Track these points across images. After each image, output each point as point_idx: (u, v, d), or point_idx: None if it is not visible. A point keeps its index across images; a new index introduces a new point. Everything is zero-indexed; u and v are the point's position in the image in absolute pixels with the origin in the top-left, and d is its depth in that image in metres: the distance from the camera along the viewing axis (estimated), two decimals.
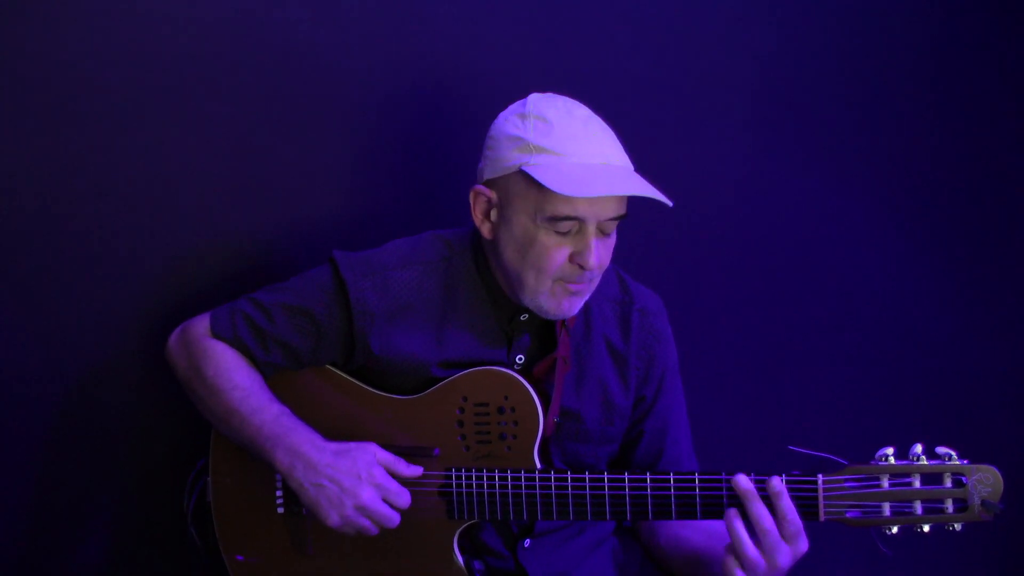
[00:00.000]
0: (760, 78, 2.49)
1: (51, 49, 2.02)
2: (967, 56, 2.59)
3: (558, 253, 1.73)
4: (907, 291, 2.61)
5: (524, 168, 1.71)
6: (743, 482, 1.64)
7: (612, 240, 1.78)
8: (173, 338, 1.95)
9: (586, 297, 1.81)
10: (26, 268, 2.07)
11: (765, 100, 2.50)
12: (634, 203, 1.76)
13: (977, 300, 2.65)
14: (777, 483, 1.63)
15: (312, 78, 2.18)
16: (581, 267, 1.73)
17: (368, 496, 1.73)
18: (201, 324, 1.91)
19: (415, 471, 1.79)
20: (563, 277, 1.75)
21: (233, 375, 1.86)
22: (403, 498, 1.76)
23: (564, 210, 1.69)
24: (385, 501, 1.75)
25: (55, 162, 2.06)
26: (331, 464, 1.74)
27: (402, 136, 2.27)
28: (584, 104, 1.81)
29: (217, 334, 1.89)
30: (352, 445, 1.77)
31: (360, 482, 1.73)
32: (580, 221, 1.70)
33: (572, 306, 1.79)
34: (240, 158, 2.16)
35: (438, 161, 2.29)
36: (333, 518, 1.74)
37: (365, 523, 1.75)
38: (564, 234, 1.72)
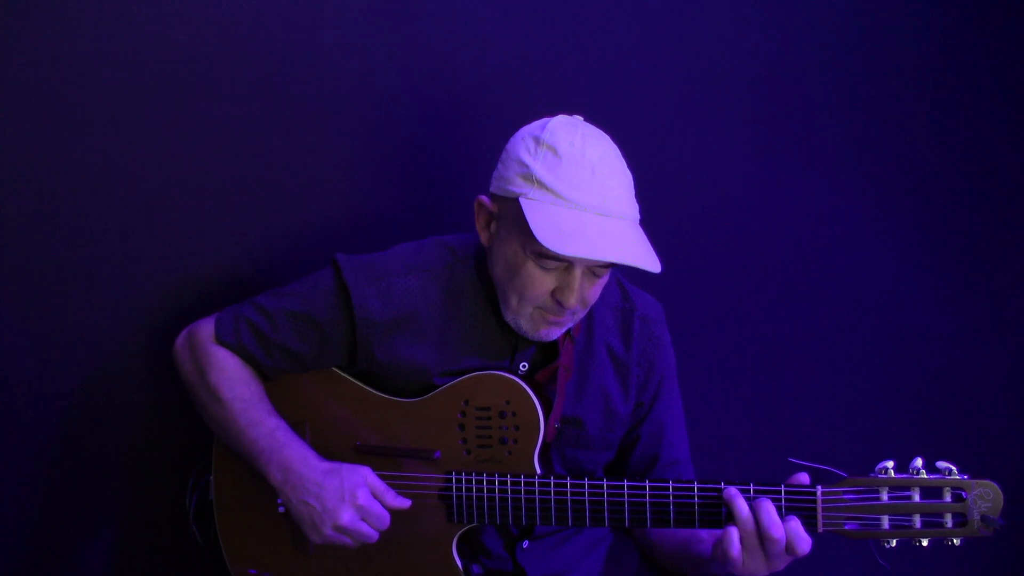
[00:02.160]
0: (760, 78, 2.48)
1: (51, 49, 2.01)
2: (967, 56, 2.58)
3: (542, 285, 1.72)
4: (908, 294, 2.61)
5: (521, 200, 1.69)
6: (731, 493, 1.67)
7: (603, 280, 1.76)
8: (180, 341, 1.95)
9: (567, 327, 1.81)
10: (31, 268, 2.07)
11: (765, 100, 2.49)
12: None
13: (978, 302, 2.65)
14: (767, 511, 1.64)
15: (315, 79, 2.17)
16: (561, 304, 1.72)
17: (347, 518, 1.75)
18: (206, 329, 1.91)
19: (402, 503, 1.80)
20: (543, 307, 1.75)
21: (235, 384, 1.87)
22: (384, 521, 1.78)
23: (551, 252, 1.66)
24: (364, 521, 1.76)
25: (58, 163, 2.05)
26: (319, 483, 1.76)
27: (405, 138, 2.26)
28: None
29: (221, 340, 1.89)
30: (344, 466, 1.79)
31: (342, 503, 1.74)
32: (567, 262, 1.70)
33: (550, 333, 1.79)
34: (244, 159, 2.15)
35: (440, 164, 2.28)
36: (314, 536, 1.78)
37: (345, 540, 1.78)
38: (551, 269, 1.71)
